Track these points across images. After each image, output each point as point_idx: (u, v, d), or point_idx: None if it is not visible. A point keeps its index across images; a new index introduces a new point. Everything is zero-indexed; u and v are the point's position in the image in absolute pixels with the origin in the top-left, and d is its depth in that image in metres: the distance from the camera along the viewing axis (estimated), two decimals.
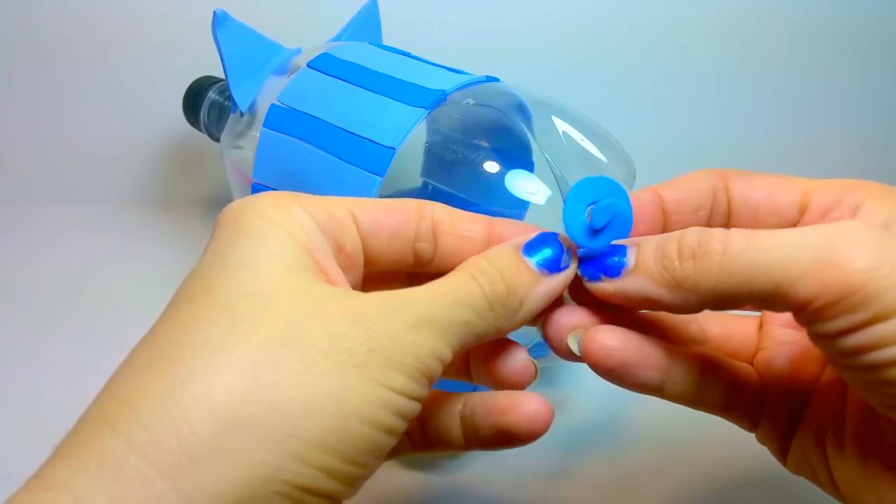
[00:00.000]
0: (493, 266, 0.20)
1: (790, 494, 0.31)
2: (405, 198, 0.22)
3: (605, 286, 0.20)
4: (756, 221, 0.22)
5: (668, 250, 0.19)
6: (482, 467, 0.34)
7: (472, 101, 0.34)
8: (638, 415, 0.37)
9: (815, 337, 0.18)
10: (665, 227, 0.22)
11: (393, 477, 0.33)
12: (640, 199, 0.22)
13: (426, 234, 0.21)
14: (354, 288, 0.21)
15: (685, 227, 0.21)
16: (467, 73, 0.36)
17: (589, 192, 0.21)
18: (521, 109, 0.34)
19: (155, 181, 0.56)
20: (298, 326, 0.17)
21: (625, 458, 0.35)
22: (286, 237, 0.19)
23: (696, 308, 0.19)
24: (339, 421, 0.16)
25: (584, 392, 0.38)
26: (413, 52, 0.39)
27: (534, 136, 0.33)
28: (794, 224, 0.21)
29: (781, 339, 0.23)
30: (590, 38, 0.57)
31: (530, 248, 0.20)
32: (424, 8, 0.54)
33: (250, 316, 0.17)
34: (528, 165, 0.32)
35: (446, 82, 0.34)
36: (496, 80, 0.36)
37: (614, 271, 0.20)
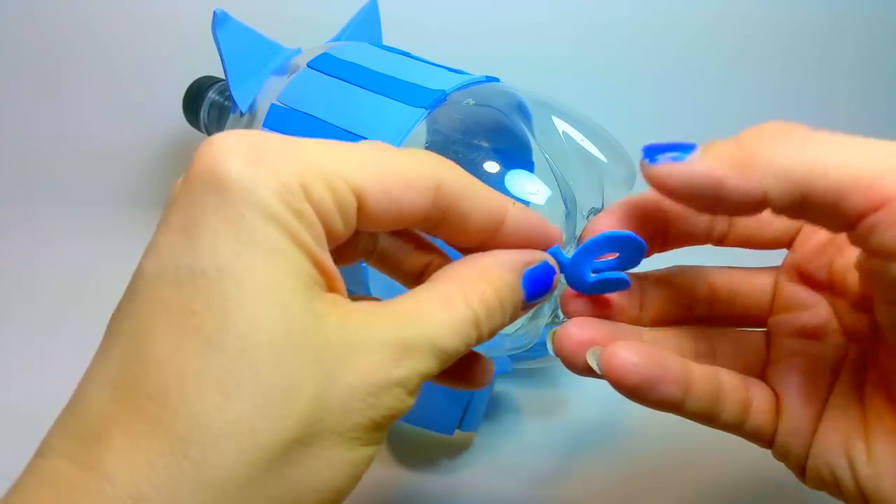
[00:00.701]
0: (497, 298, 0.19)
1: (791, 495, 0.31)
2: (426, 161, 0.19)
3: (672, 167, 0.18)
4: (758, 217, 0.21)
5: (744, 135, 0.18)
6: (482, 467, 0.34)
7: (472, 101, 0.34)
8: (638, 415, 0.36)
9: (869, 257, 0.17)
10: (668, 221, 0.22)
11: (392, 477, 0.33)
12: (651, 198, 0.22)
13: (435, 215, 0.19)
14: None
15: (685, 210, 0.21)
16: (467, 73, 0.36)
17: (602, 249, 0.21)
18: (521, 109, 0.34)
19: (155, 181, 0.56)
20: (319, 409, 0.16)
21: (625, 459, 0.35)
22: (296, 253, 0.16)
23: (761, 194, 0.17)
24: (344, 492, 0.17)
25: (584, 392, 0.38)
26: (413, 52, 0.39)
27: (534, 136, 0.33)
28: None
29: (792, 350, 0.23)
30: (590, 38, 0.57)
31: (530, 282, 0.20)
32: (424, 8, 0.54)
33: (255, 388, 0.15)
34: (528, 165, 0.32)
35: (446, 82, 0.34)
36: (496, 80, 0.36)
37: (679, 159, 0.18)
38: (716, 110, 0.60)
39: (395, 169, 0.18)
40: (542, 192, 0.30)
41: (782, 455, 0.22)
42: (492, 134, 0.33)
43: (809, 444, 0.21)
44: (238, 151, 0.16)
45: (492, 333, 0.19)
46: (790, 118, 0.56)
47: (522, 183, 0.31)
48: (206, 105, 0.47)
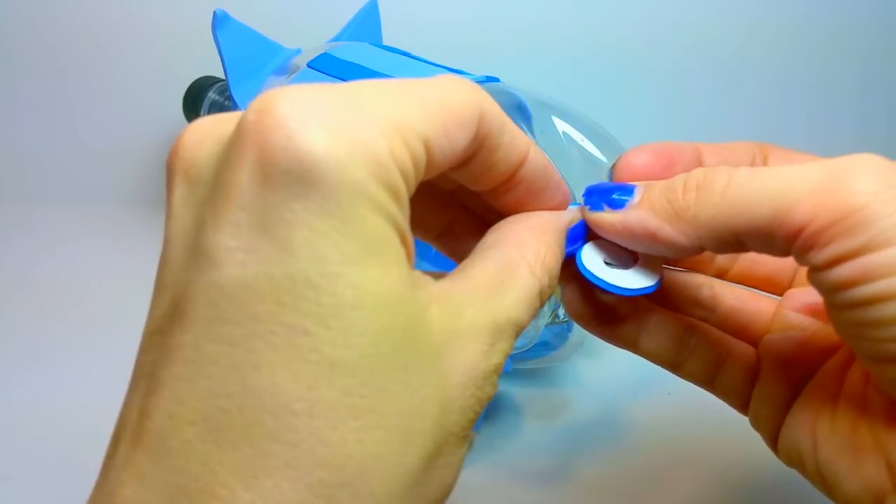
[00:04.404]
0: (555, 261, 0.19)
1: (791, 495, 0.31)
2: (471, 90, 0.17)
3: (606, 216, 0.20)
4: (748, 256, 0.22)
5: (675, 184, 0.19)
6: (482, 467, 0.34)
7: None
8: (638, 415, 0.37)
9: (810, 273, 0.17)
10: None
11: None
12: (681, 148, 0.21)
13: (471, 150, 0.17)
14: None
15: None
16: (467, 74, 0.36)
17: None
18: (521, 109, 0.34)
19: (155, 181, 0.57)
20: (445, 416, 0.15)
21: (625, 458, 0.34)
22: (397, 241, 0.14)
23: (695, 244, 0.18)
24: (452, 488, 0.16)
25: (584, 392, 0.38)
26: (413, 52, 0.39)
27: (534, 136, 0.33)
28: None
29: (791, 323, 0.23)
30: (590, 37, 0.57)
31: (569, 240, 0.20)
32: (424, 8, 0.54)
33: (389, 410, 0.14)
34: None
35: None
36: (496, 80, 0.36)
37: (619, 205, 0.19)
38: (716, 110, 0.60)
39: (451, 106, 0.16)
40: None
41: (756, 423, 0.22)
42: None
43: (783, 417, 0.21)
44: (314, 120, 0.13)
45: (545, 303, 0.19)
46: (791, 118, 0.56)
47: None
48: (206, 105, 0.47)
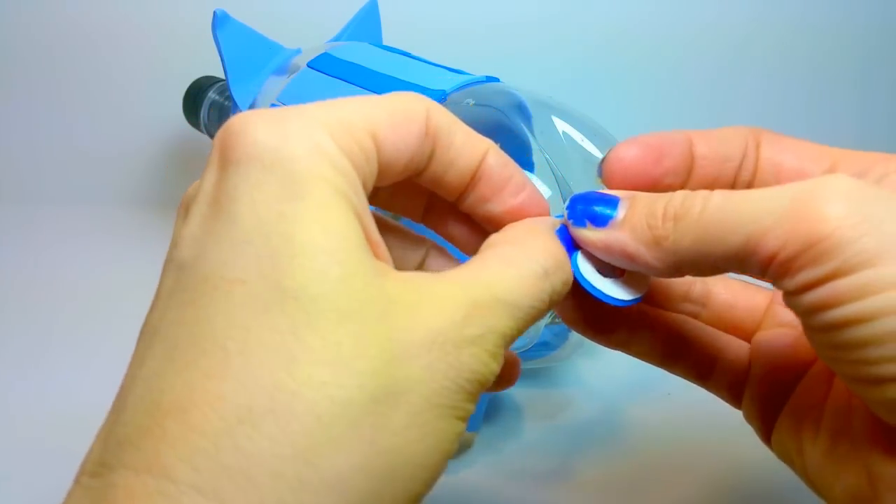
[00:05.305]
0: (557, 252, 0.19)
1: (792, 495, 0.31)
2: (412, 95, 0.18)
3: (588, 234, 0.20)
4: (778, 184, 0.21)
5: (656, 209, 0.19)
6: (482, 467, 0.34)
7: (472, 102, 0.34)
8: (639, 415, 0.37)
9: (785, 298, 0.17)
10: (692, 172, 0.21)
11: None
12: (672, 139, 0.21)
13: (426, 149, 0.18)
14: None
15: (711, 173, 0.21)
16: (467, 73, 0.36)
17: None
18: (521, 109, 0.34)
19: (155, 181, 0.57)
20: (396, 366, 0.15)
21: (625, 459, 0.35)
22: (343, 208, 0.15)
23: (672, 269, 0.18)
24: (437, 471, 0.16)
25: (585, 392, 0.38)
26: (413, 53, 0.39)
27: (534, 136, 0.33)
28: None
29: (783, 320, 0.23)
30: (590, 37, 0.57)
31: (563, 241, 0.20)
32: (424, 8, 0.54)
33: (322, 347, 0.14)
34: (528, 166, 0.32)
35: (446, 82, 0.34)
36: (496, 80, 0.36)
37: (601, 221, 0.19)
38: (716, 110, 0.60)
39: (393, 107, 0.17)
40: (542, 192, 0.30)
41: (749, 418, 0.23)
42: (492, 134, 0.33)
43: (775, 414, 0.21)
44: (258, 120, 0.16)
45: (564, 287, 0.19)
46: (790, 120, 0.56)
47: None
48: (206, 105, 0.47)
